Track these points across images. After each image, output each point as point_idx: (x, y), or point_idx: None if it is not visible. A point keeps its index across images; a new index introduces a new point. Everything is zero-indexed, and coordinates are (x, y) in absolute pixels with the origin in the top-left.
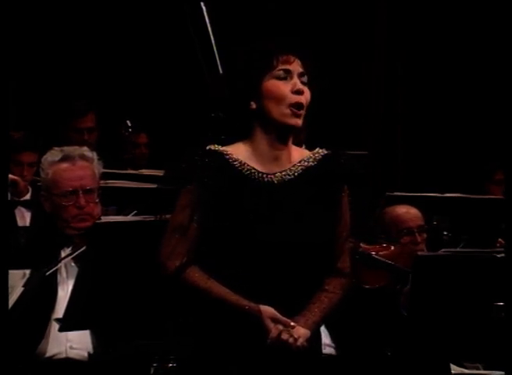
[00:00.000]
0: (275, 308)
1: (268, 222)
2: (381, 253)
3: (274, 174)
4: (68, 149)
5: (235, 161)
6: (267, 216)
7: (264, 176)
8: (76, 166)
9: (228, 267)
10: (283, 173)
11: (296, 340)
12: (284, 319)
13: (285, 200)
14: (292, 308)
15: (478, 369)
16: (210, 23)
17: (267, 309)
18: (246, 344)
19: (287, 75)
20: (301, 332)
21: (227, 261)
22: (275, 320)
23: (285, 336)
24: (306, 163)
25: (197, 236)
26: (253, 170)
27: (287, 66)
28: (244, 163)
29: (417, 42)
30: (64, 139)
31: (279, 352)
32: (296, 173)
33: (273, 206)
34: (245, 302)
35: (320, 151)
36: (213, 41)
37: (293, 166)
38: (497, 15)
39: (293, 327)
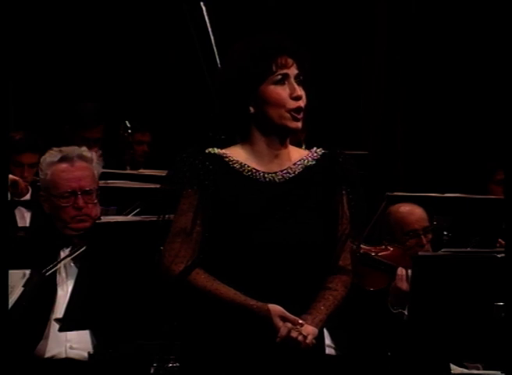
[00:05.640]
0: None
1: (271, 221)
2: (380, 254)
3: (275, 173)
4: (66, 150)
5: (235, 163)
6: (270, 216)
7: (266, 175)
8: (74, 166)
9: (232, 269)
10: (284, 172)
11: (305, 337)
12: (293, 317)
13: (287, 198)
14: (295, 308)
15: (478, 369)
16: (210, 22)
17: (275, 308)
18: (250, 344)
19: (285, 79)
20: (310, 330)
21: (231, 263)
22: (284, 318)
23: (294, 334)
24: (305, 162)
25: (201, 239)
26: (253, 170)
27: (285, 71)
28: (244, 164)
29: (418, 42)
30: (67, 142)
31: (285, 351)
32: (296, 172)
33: (276, 205)
34: (253, 302)
35: (318, 150)
36: (213, 41)
37: (294, 164)
38: (498, 13)
39: (301, 325)
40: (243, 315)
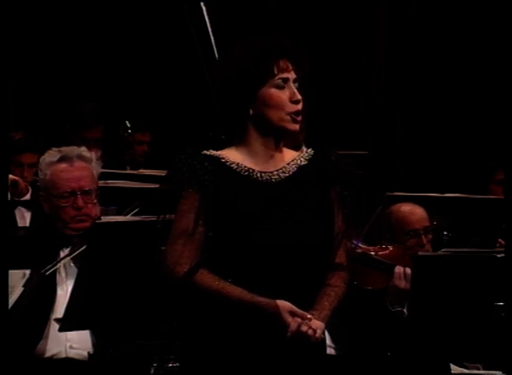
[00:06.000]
0: None
1: (270, 221)
2: (380, 253)
3: (271, 172)
4: (66, 150)
5: (232, 163)
6: (269, 216)
7: (262, 174)
8: (73, 166)
9: (234, 269)
10: (280, 171)
11: (315, 331)
12: (301, 312)
13: (285, 198)
14: (296, 306)
15: (478, 369)
16: (210, 22)
17: (284, 303)
18: (251, 344)
19: (285, 83)
20: (318, 324)
21: (233, 263)
22: (293, 313)
23: (304, 328)
24: (299, 162)
25: (204, 239)
26: (250, 170)
27: (285, 75)
28: (241, 165)
29: (418, 42)
30: (67, 142)
31: (293, 347)
32: (291, 172)
33: (274, 205)
34: (261, 299)
35: (308, 150)
36: (213, 41)
37: (288, 164)
38: (498, 13)
39: (310, 320)
40: (250, 312)
